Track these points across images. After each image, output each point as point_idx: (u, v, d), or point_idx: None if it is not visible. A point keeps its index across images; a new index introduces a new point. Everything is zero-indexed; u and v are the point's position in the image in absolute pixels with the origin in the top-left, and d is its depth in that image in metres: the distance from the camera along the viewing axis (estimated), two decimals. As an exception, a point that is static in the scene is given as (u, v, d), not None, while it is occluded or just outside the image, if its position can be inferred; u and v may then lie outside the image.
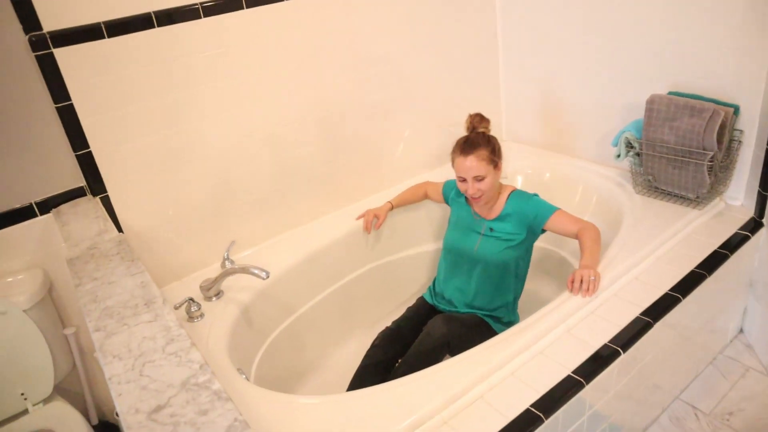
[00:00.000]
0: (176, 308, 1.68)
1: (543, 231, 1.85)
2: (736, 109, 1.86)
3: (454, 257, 1.97)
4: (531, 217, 1.83)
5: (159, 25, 1.69)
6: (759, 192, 1.87)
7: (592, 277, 1.62)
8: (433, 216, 2.33)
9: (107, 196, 1.75)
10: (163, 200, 1.85)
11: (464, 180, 1.80)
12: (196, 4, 1.73)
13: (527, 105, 2.56)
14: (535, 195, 1.88)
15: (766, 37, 1.74)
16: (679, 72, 1.98)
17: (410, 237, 2.31)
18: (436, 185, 2.17)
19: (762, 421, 1.71)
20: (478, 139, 1.80)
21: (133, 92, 1.69)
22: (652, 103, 1.90)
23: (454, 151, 1.84)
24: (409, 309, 2.01)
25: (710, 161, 1.82)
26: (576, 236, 1.78)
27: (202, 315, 1.73)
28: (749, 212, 1.93)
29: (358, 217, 2.19)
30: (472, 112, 1.91)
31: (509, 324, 1.88)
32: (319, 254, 2.06)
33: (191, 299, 1.72)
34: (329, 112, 2.11)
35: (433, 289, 2.06)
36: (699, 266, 1.71)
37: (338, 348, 2.15)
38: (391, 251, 2.27)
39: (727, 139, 1.85)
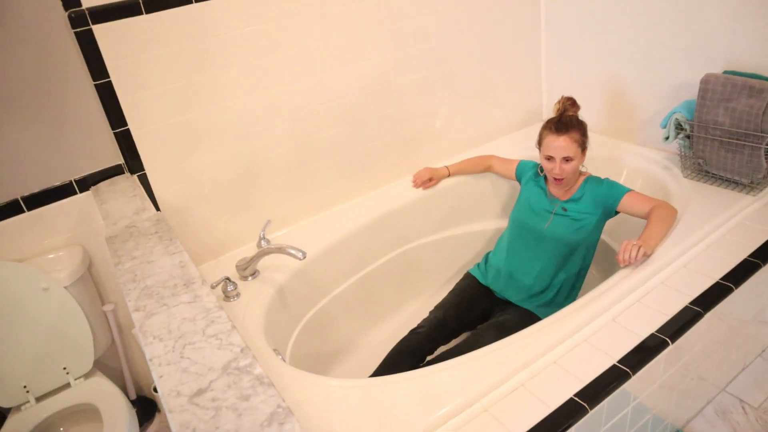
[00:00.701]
0: (213, 287, 1.68)
1: (617, 213, 1.85)
2: (798, 90, 1.76)
3: (522, 234, 1.96)
4: (605, 198, 1.83)
5: (197, 1, 1.67)
6: (819, 177, 1.77)
7: (638, 250, 1.58)
8: (468, 199, 2.28)
9: (144, 174, 1.75)
10: (199, 178, 1.84)
11: (551, 159, 1.81)
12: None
13: (570, 86, 2.46)
14: (607, 178, 1.88)
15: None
16: (734, 50, 1.87)
17: (447, 219, 2.27)
18: (506, 161, 2.17)
19: (814, 417, 1.65)
20: (572, 121, 1.80)
21: (170, 69, 1.68)
22: (707, 83, 1.80)
23: (545, 128, 1.84)
24: (454, 293, 1.97)
25: (767, 146, 1.72)
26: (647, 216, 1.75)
27: (238, 294, 1.73)
28: (809, 197, 1.83)
29: (415, 176, 2.20)
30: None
31: (564, 304, 1.83)
32: (354, 236, 2.03)
33: (228, 278, 1.71)
34: (366, 91, 2.07)
35: (485, 265, 2.02)
36: (753, 255, 1.62)
37: (370, 331, 2.13)
38: (426, 233, 2.23)
39: (787, 121, 1.75)
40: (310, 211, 2.10)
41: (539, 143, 1.85)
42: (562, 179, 1.83)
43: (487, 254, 2.07)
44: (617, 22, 2.18)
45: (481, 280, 1.99)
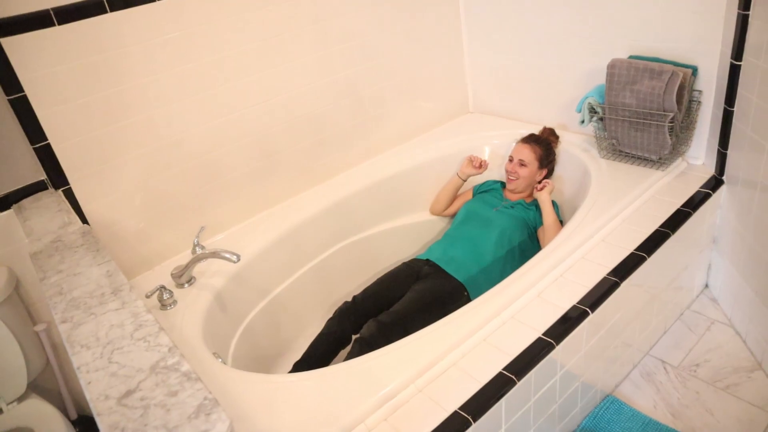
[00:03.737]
0: (148, 297, 1.67)
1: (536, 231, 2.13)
2: (694, 70, 1.89)
3: (470, 218, 2.14)
4: (533, 218, 2.11)
5: (112, 10, 1.65)
6: (718, 150, 1.91)
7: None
8: (406, 192, 2.35)
9: (70, 188, 1.72)
10: (128, 190, 1.82)
11: (512, 159, 2.17)
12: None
13: (492, 76, 2.57)
14: (555, 203, 2.13)
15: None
16: (639, 36, 2.00)
17: (387, 211, 2.32)
18: (466, 194, 2.38)
19: (725, 370, 1.78)
20: (540, 139, 2.20)
21: (90, 81, 1.65)
22: (612, 68, 1.92)
23: (518, 140, 2.22)
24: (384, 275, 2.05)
25: (671, 122, 1.85)
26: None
27: (174, 302, 1.72)
28: (710, 171, 1.98)
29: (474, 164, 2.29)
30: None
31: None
32: (292, 234, 2.06)
33: (163, 287, 1.71)
34: (296, 91, 2.09)
35: (427, 250, 2.11)
36: (663, 225, 1.75)
37: (316, 326, 2.15)
38: (366, 226, 2.27)
39: (686, 100, 1.88)
40: (245, 213, 2.11)
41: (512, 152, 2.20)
42: (515, 179, 2.14)
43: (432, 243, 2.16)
44: (531, 12, 2.28)
45: (420, 256, 2.07)
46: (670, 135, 1.87)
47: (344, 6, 2.12)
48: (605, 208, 1.82)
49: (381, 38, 2.28)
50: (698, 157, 2.03)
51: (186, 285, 1.80)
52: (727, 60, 1.78)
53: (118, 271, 1.22)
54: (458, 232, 2.10)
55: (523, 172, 2.13)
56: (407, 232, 2.36)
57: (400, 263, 2.21)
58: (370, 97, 2.33)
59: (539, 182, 2.14)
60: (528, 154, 2.14)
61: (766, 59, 1.60)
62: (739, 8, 1.69)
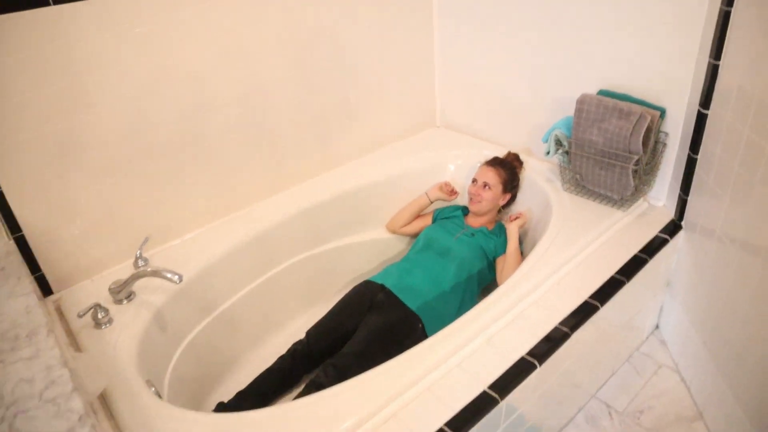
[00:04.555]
0: (80, 316, 1.57)
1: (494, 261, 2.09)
2: (663, 113, 1.87)
3: (429, 246, 2.08)
4: (493, 245, 2.07)
5: (55, 3, 1.52)
6: (680, 195, 1.90)
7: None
8: (368, 206, 2.28)
9: (1, 191, 1.59)
10: (67, 192, 1.69)
11: (475, 181, 2.14)
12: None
13: (462, 92, 2.51)
14: (504, 234, 2.11)
15: (692, 44, 1.74)
16: (610, 71, 1.97)
17: (345, 225, 2.25)
18: (426, 216, 2.32)
19: (668, 418, 1.78)
20: (505, 162, 2.18)
21: (27, 77, 1.51)
22: (582, 104, 1.88)
23: (483, 162, 2.18)
24: (336, 305, 1.99)
25: (635, 165, 1.82)
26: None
27: (110, 321, 1.63)
28: (670, 214, 1.97)
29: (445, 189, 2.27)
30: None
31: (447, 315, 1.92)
32: (245, 246, 1.97)
33: (98, 305, 1.61)
34: (258, 93, 1.98)
35: (383, 272, 2.05)
36: (619, 272, 1.73)
37: (265, 347, 2.09)
38: (323, 241, 2.20)
39: (652, 142, 1.86)
40: (197, 222, 2.01)
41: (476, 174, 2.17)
42: (478, 202, 2.12)
43: (393, 264, 2.11)
44: (506, 34, 2.22)
45: (375, 279, 2.01)
46: (633, 177, 1.85)
47: (315, 11, 2.02)
48: (563, 248, 1.79)
49: (351, 41, 2.18)
50: (660, 198, 2.01)
51: (125, 301, 1.71)
52: (695, 107, 1.76)
53: (38, 308, 1.13)
54: (417, 258, 2.05)
55: (487, 195, 2.10)
56: (365, 249, 2.30)
57: (355, 281, 2.16)
58: (335, 103, 2.24)
59: (512, 215, 2.11)
60: (493, 177, 2.11)
61: (733, 112, 1.57)
62: (710, 57, 1.67)
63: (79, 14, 1.55)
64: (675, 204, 1.94)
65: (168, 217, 1.93)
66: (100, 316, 1.61)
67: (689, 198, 1.87)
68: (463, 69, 2.44)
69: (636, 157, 1.81)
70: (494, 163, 2.16)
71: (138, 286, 1.75)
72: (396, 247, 2.35)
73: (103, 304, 1.63)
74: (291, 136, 2.15)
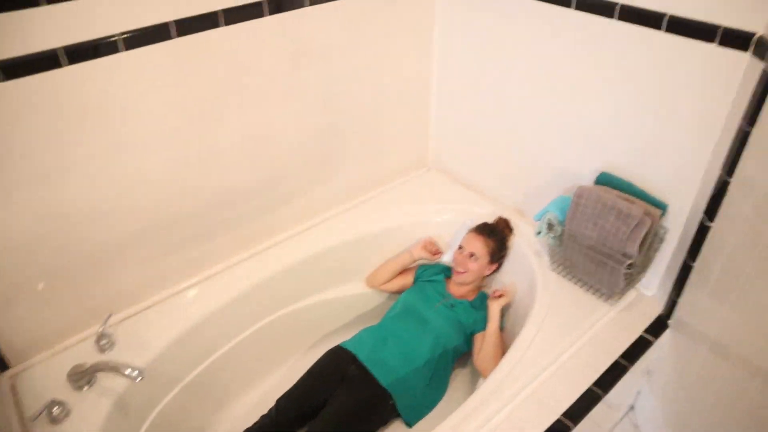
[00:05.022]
0: (33, 420, 1.51)
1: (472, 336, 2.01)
2: (664, 210, 1.74)
3: (407, 314, 2.00)
4: (472, 320, 1.98)
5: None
6: (671, 294, 1.81)
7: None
8: (348, 262, 2.18)
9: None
10: (29, 251, 1.57)
11: (462, 248, 2.03)
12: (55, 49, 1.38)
13: (457, 137, 2.35)
14: (485, 308, 2.01)
15: (705, 142, 1.59)
16: (615, 153, 1.82)
17: (321, 282, 2.16)
18: (408, 273, 2.21)
19: None
20: (495, 231, 2.07)
21: None
22: (579, 198, 1.75)
23: (472, 228, 2.08)
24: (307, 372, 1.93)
25: (628, 268, 1.72)
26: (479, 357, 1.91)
27: (67, 413, 1.57)
28: (658, 307, 1.88)
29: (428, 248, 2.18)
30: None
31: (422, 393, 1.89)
32: (215, 313, 1.88)
33: (53, 401, 1.55)
34: (238, 149, 1.84)
35: (357, 337, 1.99)
36: (596, 383, 1.67)
37: (232, 409, 2.05)
38: (297, 299, 2.12)
39: (649, 242, 1.74)
40: (164, 284, 1.92)
41: (464, 239, 2.06)
42: (463, 272, 2.01)
43: (368, 327, 2.04)
44: (510, 91, 2.05)
45: (348, 346, 1.95)
46: (624, 278, 1.75)
47: (309, 57, 1.84)
48: (544, 349, 1.72)
49: (345, 87, 2.01)
50: (650, 287, 1.92)
51: (86, 387, 1.65)
52: (699, 214, 1.64)
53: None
54: (393, 327, 1.98)
55: (473, 266, 2.01)
56: (343, 304, 2.22)
57: (331, 336, 2.11)
58: (325, 148, 2.09)
59: (497, 291, 2.01)
60: (480, 248, 2.01)
61: (739, 233, 1.45)
62: (722, 170, 1.53)
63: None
64: (665, 298, 1.85)
65: (137, 281, 1.84)
66: (56, 412, 1.55)
67: (679, 301, 1.78)
68: (461, 114, 2.27)
69: (629, 261, 1.70)
70: (483, 231, 2.04)
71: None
72: (375, 300, 2.27)
73: (59, 397, 1.57)
74: (284, 187, 2.03)
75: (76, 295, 1.73)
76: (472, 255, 2.00)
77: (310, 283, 2.13)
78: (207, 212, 1.88)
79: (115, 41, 1.44)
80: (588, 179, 1.92)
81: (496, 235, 2.05)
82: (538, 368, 1.68)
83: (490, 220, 2.15)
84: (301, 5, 1.74)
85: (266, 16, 1.69)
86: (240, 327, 1.99)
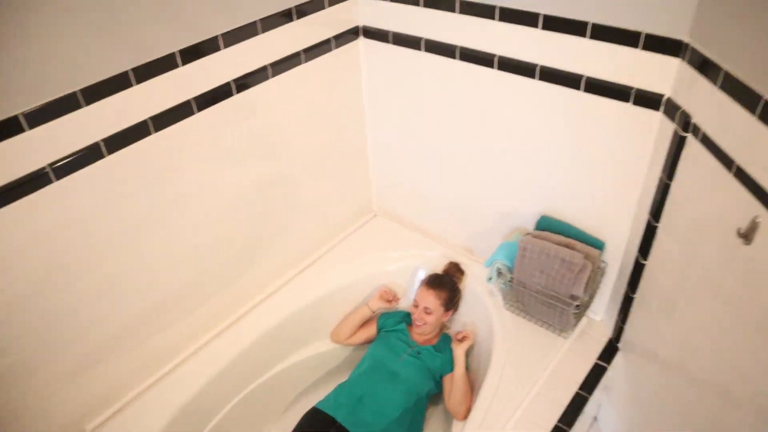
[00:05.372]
0: None
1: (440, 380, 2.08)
2: (602, 248, 1.86)
3: (376, 369, 2.05)
4: (439, 364, 2.06)
5: None
6: (617, 321, 1.94)
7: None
8: (306, 326, 2.21)
9: None
10: None
11: (417, 305, 2.09)
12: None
13: (399, 184, 2.40)
14: (450, 349, 2.09)
15: (631, 190, 1.71)
16: (553, 195, 1.93)
17: (284, 349, 2.18)
18: (371, 324, 2.26)
19: None
20: (444, 281, 2.12)
21: None
22: (524, 250, 1.84)
23: (422, 281, 2.14)
24: None
25: (576, 309, 1.83)
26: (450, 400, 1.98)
27: None
28: (608, 331, 2.01)
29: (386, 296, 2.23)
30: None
31: None
32: (184, 408, 1.87)
33: None
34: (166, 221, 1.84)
35: (334, 396, 2.03)
36: (561, 419, 1.78)
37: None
38: (263, 371, 2.13)
39: (593, 280, 1.86)
40: (130, 387, 1.90)
41: (416, 291, 2.13)
42: (422, 325, 2.09)
43: (340, 385, 2.08)
44: (442, 138, 2.11)
45: (326, 409, 2.00)
46: (574, 316, 1.87)
47: (238, 123, 1.83)
48: (508, 396, 1.82)
49: (285, 149, 2.02)
50: (598, 312, 2.05)
51: None
52: (635, 252, 1.76)
53: None
54: (365, 384, 2.02)
55: (430, 319, 2.08)
56: (311, 363, 2.25)
57: (303, 396, 2.14)
58: (267, 209, 2.08)
59: (459, 334, 2.10)
60: (433, 302, 2.08)
61: (669, 271, 1.58)
62: (649, 216, 1.64)
63: None
64: (612, 322, 1.99)
65: (108, 383, 1.81)
66: None
67: (625, 327, 1.91)
68: (400, 160, 2.32)
69: (577, 303, 1.81)
70: (433, 284, 2.11)
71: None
72: (343, 354, 2.32)
73: None
74: (227, 263, 2.02)
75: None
76: (426, 310, 2.08)
77: (277, 350, 2.15)
78: (162, 309, 1.87)
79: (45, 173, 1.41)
80: (530, 221, 2.02)
81: (445, 285, 2.12)
82: (508, 413, 1.78)
83: (441, 264, 2.22)
84: (229, 95, 1.74)
85: (195, 113, 1.68)
86: (214, 409, 2.00)
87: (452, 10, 1.78)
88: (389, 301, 2.22)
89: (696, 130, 1.38)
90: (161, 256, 1.78)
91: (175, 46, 1.54)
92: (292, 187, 2.13)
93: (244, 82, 1.76)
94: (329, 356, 2.29)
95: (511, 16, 1.66)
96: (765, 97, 1.10)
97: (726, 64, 1.23)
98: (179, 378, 1.93)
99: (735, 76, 1.20)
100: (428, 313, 2.07)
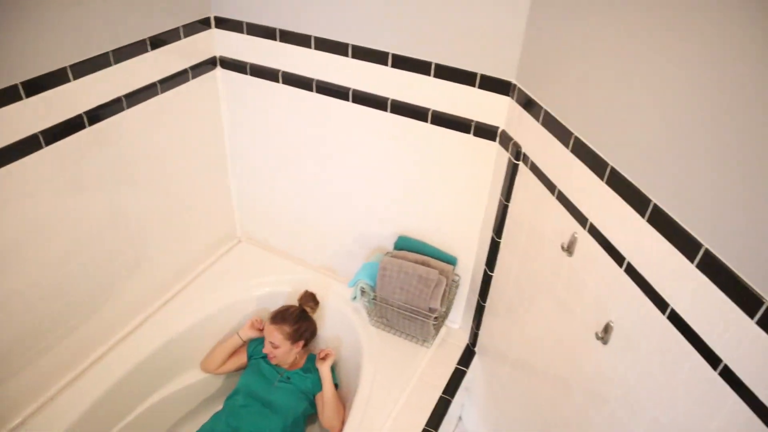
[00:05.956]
0: None
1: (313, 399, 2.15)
2: (455, 263, 2.05)
3: (249, 398, 2.06)
4: (311, 386, 2.13)
5: None
6: (472, 327, 2.14)
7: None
8: (176, 357, 2.15)
9: None
10: None
11: (266, 340, 2.13)
12: None
13: (261, 208, 2.43)
14: (316, 369, 2.16)
15: (476, 211, 1.91)
16: (410, 218, 2.08)
17: (155, 382, 2.11)
18: (241, 353, 2.27)
19: None
20: (287, 315, 2.14)
21: None
22: (384, 270, 1.98)
23: (268, 317, 2.16)
24: None
25: (434, 320, 2.00)
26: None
27: None
28: (465, 337, 2.21)
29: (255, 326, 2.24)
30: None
31: None
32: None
33: None
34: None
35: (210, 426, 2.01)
36: (428, 423, 1.92)
37: None
38: (131, 409, 2.04)
39: (448, 292, 2.04)
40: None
41: None
42: (273, 358, 2.12)
43: (215, 415, 2.07)
44: (300, 166, 2.19)
45: None
46: (434, 327, 2.03)
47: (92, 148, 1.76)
48: (379, 406, 1.93)
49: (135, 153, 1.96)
50: (456, 320, 2.25)
51: None
52: (483, 265, 1.96)
53: None
54: (242, 415, 2.02)
55: (278, 352, 2.11)
56: (183, 395, 2.19)
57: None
58: (126, 240, 2.01)
59: (321, 352, 2.16)
60: (277, 336, 2.10)
61: (511, 282, 1.79)
62: (493, 233, 1.85)
63: None
64: (468, 329, 2.19)
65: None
66: None
67: (480, 332, 2.12)
68: (261, 185, 2.35)
69: (435, 315, 1.98)
70: (276, 319, 2.13)
71: None
72: (216, 383, 2.29)
73: None
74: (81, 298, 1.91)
75: None
76: (273, 345, 2.11)
77: (147, 384, 2.07)
78: (20, 347, 1.73)
79: None
80: (390, 241, 2.16)
81: (287, 320, 2.13)
82: (380, 422, 1.89)
83: (304, 288, 2.29)
84: (81, 128, 1.67)
85: (44, 147, 1.59)
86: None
87: (308, 45, 1.87)
88: (260, 330, 2.23)
89: (526, 159, 1.60)
90: (18, 289, 1.65)
91: (19, 77, 1.46)
92: (152, 217, 2.07)
93: (96, 114, 1.70)
94: (201, 386, 2.24)
95: (363, 54, 1.79)
96: (575, 134, 1.33)
97: (544, 104, 1.46)
98: (45, 420, 1.80)
99: (551, 113, 1.43)
100: (275, 347, 2.11)
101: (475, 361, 2.19)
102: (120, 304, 2.06)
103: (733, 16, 0.88)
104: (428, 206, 2.01)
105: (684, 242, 1.00)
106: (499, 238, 1.83)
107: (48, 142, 1.60)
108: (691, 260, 0.99)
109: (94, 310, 1.95)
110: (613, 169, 1.20)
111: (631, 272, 1.17)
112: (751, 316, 0.87)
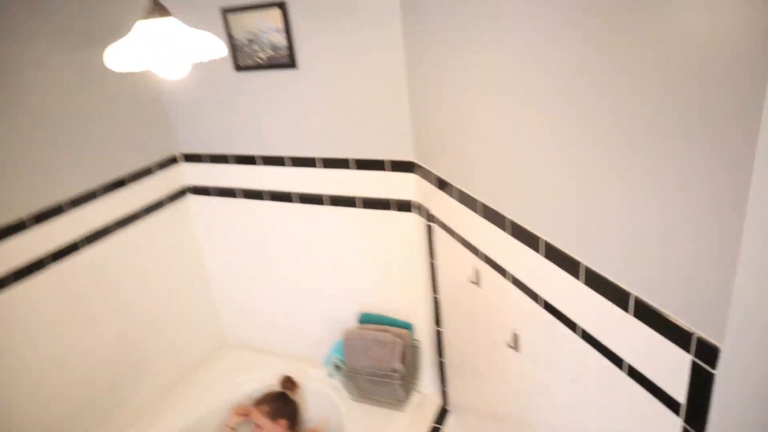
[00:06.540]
0: None
1: None
2: (411, 328, 2.29)
3: None
4: None
5: None
6: (440, 387, 2.32)
7: None
8: None
9: None
10: None
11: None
12: None
13: (244, 313, 2.72)
14: None
15: (417, 274, 2.19)
16: (368, 297, 2.36)
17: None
18: None
19: None
20: (267, 396, 2.35)
21: None
22: (348, 339, 2.23)
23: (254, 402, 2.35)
24: None
25: (400, 381, 2.20)
26: None
27: None
28: (438, 399, 2.38)
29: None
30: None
31: None
32: None
33: None
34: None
35: None
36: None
37: None
38: None
39: (410, 355, 2.25)
40: None
41: None
42: None
43: None
44: (271, 270, 2.51)
45: None
46: (401, 387, 2.23)
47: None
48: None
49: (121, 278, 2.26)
50: (427, 387, 2.43)
51: None
52: (432, 323, 2.20)
53: None
54: None
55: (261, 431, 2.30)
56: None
57: None
58: (114, 357, 2.28)
59: (310, 430, 2.33)
60: (259, 417, 2.29)
61: (459, 333, 2.01)
62: (432, 292, 2.12)
63: None
64: (438, 391, 2.36)
65: None
66: None
67: (448, 390, 2.30)
68: (240, 293, 2.66)
69: (399, 375, 2.18)
70: (258, 402, 2.34)
71: None
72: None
73: None
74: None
75: None
76: (257, 426, 2.29)
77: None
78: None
79: None
80: (355, 320, 2.41)
81: (266, 400, 2.34)
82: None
83: (284, 376, 2.51)
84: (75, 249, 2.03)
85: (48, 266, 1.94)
86: None
87: (256, 163, 2.28)
88: (246, 414, 2.42)
89: (436, 219, 1.91)
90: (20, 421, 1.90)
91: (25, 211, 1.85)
92: (144, 335, 2.37)
93: (87, 240, 2.07)
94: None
95: (298, 162, 2.19)
96: (456, 186, 1.66)
97: (436, 173, 1.80)
98: None
99: (443, 179, 1.76)
100: (260, 428, 2.29)
101: (450, 420, 2.33)
102: (121, 417, 2.29)
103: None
104: (380, 281, 2.29)
105: (567, 264, 1.23)
106: (436, 293, 2.09)
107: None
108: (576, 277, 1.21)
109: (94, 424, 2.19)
110: (483, 204, 1.52)
111: (520, 286, 1.44)
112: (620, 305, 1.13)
